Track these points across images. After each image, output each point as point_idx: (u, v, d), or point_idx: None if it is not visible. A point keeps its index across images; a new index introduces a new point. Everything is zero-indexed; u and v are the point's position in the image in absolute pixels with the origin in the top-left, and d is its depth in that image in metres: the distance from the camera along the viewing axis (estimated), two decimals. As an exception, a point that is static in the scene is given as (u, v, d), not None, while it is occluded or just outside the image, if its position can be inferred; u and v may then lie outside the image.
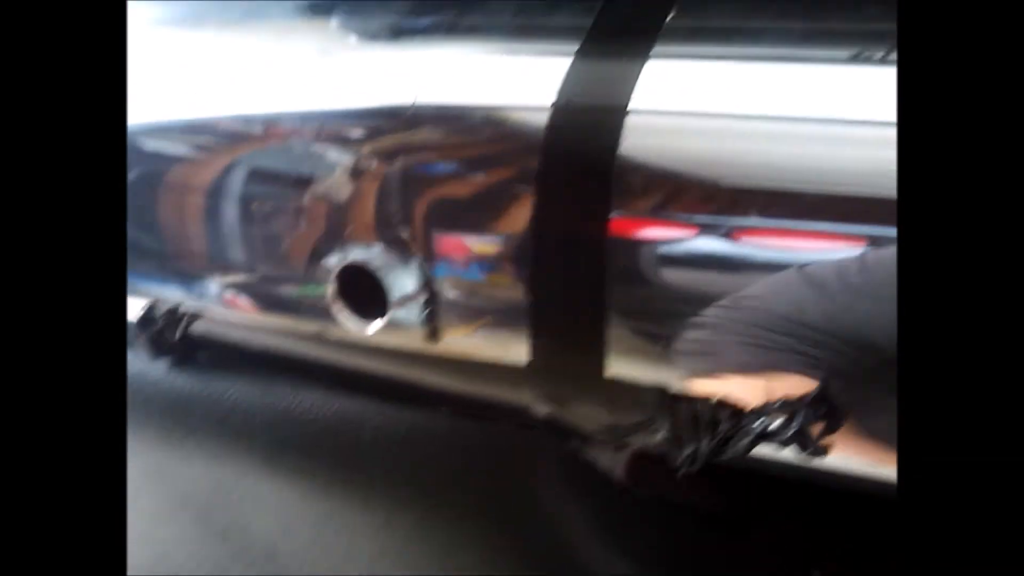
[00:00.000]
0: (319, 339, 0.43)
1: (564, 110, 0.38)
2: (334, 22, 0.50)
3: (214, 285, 0.48)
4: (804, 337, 0.34)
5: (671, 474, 0.38)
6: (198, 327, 0.48)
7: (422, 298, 0.40)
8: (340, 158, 0.43)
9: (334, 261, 0.42)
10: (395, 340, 0.41)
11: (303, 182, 0.44)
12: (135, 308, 0.50)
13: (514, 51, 0.42)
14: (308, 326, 0.44)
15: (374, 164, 0.42)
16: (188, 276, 0.50)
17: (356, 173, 0.42)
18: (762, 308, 0.35)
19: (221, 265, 0.48)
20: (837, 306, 0.33)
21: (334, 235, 0.42)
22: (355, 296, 0.42)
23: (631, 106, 0.36)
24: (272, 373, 0.46)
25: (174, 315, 0.48)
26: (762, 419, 0.36)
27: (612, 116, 0.36)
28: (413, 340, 0.41)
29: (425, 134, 0.42)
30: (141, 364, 0.49)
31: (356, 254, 0.41)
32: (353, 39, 0.48)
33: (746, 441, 0.36)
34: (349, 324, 0.42)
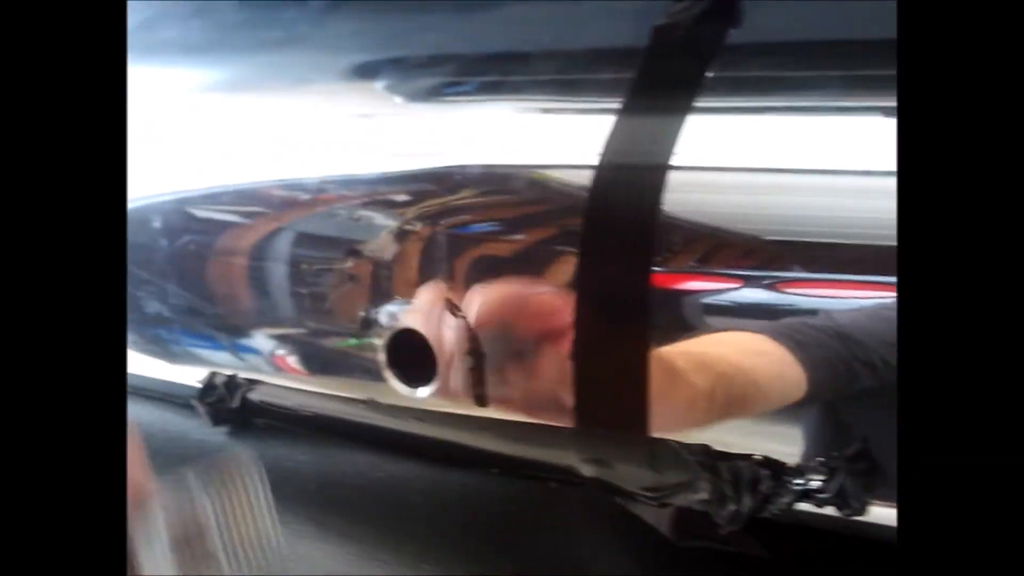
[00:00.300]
0: (370, 405, 0.45)
1: (607, 169, 0.39)
2: (380, 84, 0.52)
3: (264, 344, 0.50)
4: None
5: (716, 528, 0.38)
6: (255, 394, 0.50)
7: (470, 362, 0.41)
8: (385, 221, 0.45)
9: (384, 319, 0.43)
10: (444, 404, 0.42)
11: (349, 244, 0.46)
12: (193, 376, 0.52)
13: (557, 108, 0.44)
14: (360, 391, 0.45)
15: (418, 226, 0.44)
16: (238, 336, 0.52)
17: (401, 235, 0.44)
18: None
19: (269, 322, 0.50)
20: None
21: (379, 295, 0.44)
22: (405, 358, 0.43)
23: (673, 162, 0.38)
24: (325, 437, 0.47)
25: (232, 383, 0.50)
26: (803, 477, 0.36)
27: (654, 174, 0.38)
28: (461, 403, 0.42)
29: (468, 195, 0.43)
30: (203, 432, 0.51)
31: (405, 317, 0.43)
32: (398, 100, 0.51)
33: (787, 500, 0.36)
34: (400, 389, 0.43)
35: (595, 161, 0.39)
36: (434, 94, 0.50)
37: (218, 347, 0.55)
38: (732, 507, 0.37)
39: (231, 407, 0.50)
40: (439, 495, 0.44)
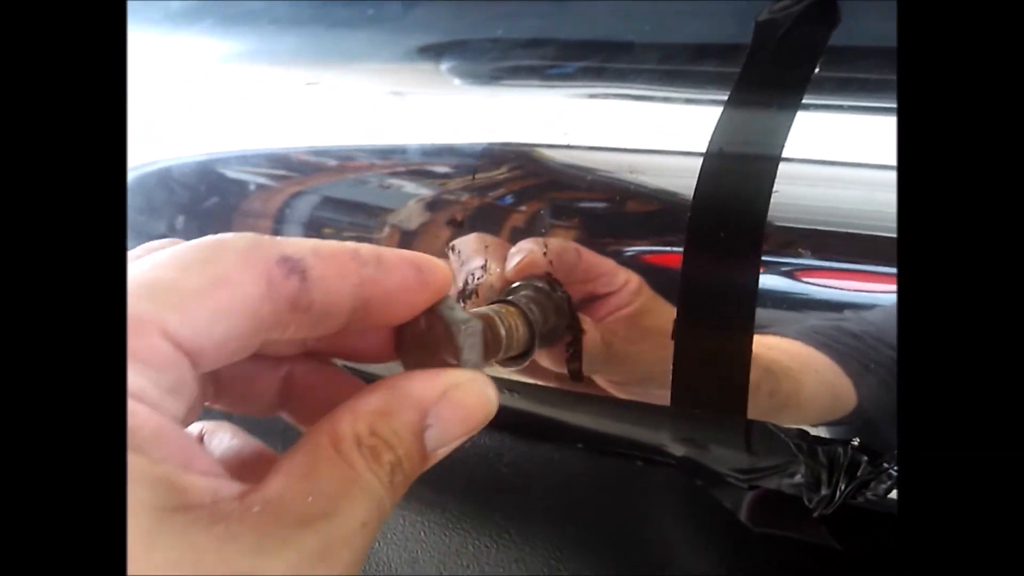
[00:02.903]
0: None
1: (716, 158, 0.40)
2: (443, 66, 0.53)
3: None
4: None
5: (797, 514, 0.39)
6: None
7: (567, 337, 0.42)
8: (416, 191, 0.46)
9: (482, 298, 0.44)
10: (537, 377, 0.43)
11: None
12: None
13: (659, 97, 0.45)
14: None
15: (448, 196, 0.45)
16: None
17: (430, 205, 0.46)
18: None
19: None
20: None
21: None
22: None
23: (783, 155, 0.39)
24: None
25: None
26: (903, 464, 0.37)
27: (764, 165, 0.39)
28: (556, 378, 0.43)
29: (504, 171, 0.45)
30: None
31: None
32: (456, 82, 0.52)
33: (885, 485, 0.37)
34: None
35: (703, 150, 0.40)
36: (496, 78, 0.50)
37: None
38: (826, 491, 0.38)
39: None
40: (525, 468, 0.45)
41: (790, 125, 0.40)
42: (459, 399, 0.29)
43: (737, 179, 0.40)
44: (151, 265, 0.26)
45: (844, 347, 0.38)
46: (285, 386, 0.33)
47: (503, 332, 0.36)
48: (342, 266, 0.28)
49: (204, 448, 0.26)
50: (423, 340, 0.31)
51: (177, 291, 0.25)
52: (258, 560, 0.23)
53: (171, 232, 0.57)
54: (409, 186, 0.50)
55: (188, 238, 0.28)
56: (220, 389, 0.32)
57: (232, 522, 0.23)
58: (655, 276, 0.41)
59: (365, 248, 0.29)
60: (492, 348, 0.35)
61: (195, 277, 0.25)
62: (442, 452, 0.29)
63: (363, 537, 0.25)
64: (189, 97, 0.62)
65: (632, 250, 0.42)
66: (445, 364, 0.30)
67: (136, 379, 0.24)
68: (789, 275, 0.39)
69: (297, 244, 0.27)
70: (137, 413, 0.23)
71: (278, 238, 0.27)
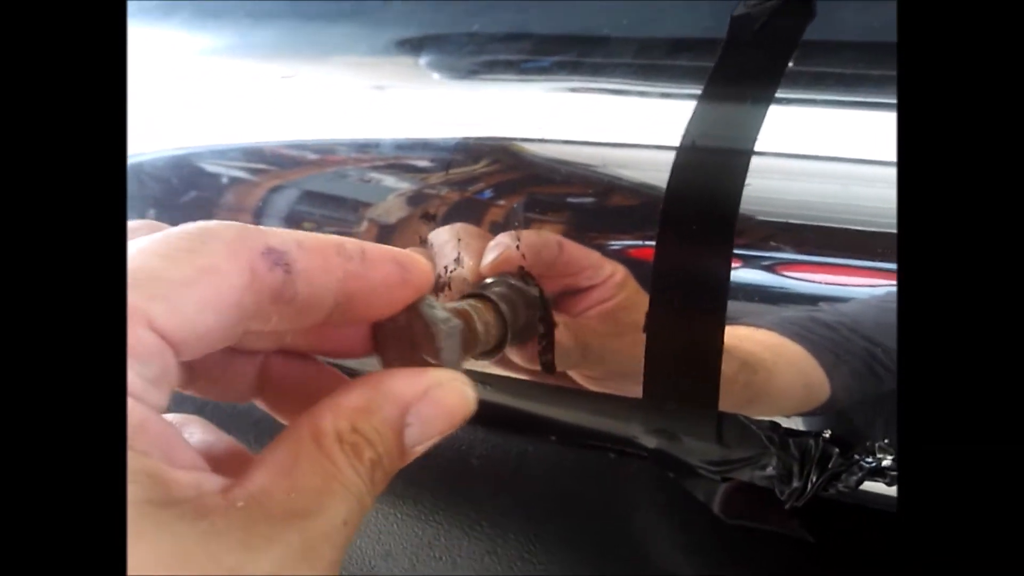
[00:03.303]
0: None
1: (689, 152, 0.40)
2: (422, 60, 0.53)
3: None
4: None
5: (770, 506, 0.39)
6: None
7: (540, 329, 0.42)
8: (396, 184, 0.46)
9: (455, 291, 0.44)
10: (509, 370, 0.43)
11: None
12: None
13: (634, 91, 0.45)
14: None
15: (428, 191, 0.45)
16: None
17: (410, 199, 0.45)
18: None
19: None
20: None
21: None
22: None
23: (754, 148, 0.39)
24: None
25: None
26: (873, 456, 0.37)
27: (736, 159, 0.39)
28: (528, 370, 0.42)
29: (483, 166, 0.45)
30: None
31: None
32: (436, 76, 0.52)
33: (856, 477, 0.37)
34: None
35: (677, 144, 0.41)
36: (473, 72, 0.51)
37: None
38: (797, 484, 0.38)
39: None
40: (497, 460, 0.45)
41: (763, 119, 0.40)
42: (440, 398, 0.29)
43: (709, 172, 0.40)
44: (137, 252, 0.25)
45: (818, 337, 0.39)
46: (261, 374, 0.33)
47: (480, 329, 0.36)
48: (326, 260, 0.28)
49: (186, 441, 0.26)
50: (402, 337, 0.31)
51: (163, 281, 0.25)
52: (244, 557, 0.23)
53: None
54: (386, 180, 0.50)
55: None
56: (194, 376, 0.31)
57: (217, 517, 0.23)
58: (631, 269, 0.41)
59: (350, 243, 0.29)
60: (469, 345, 0.35)
61: (181, 267, 0.25)
62: (420, 449, 0.29)
63: (344, 535, 0.25)
64: (163, 91, 0.61)
65: (607, 244, 0.42)
66: (424, 361, 0.30)
67: None
68: (763, 268, 0.39)
69: (282, 236, 0.27)
70: None
71: (263, 228, 0.27)
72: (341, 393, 0.28)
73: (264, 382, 0.33)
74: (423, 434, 0.28)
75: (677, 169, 0.40)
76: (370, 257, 0.29)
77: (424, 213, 0.46)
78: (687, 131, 0.41)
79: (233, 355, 0.32)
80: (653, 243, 0.40)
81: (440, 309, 0.31)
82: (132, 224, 0.31)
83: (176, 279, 0.25)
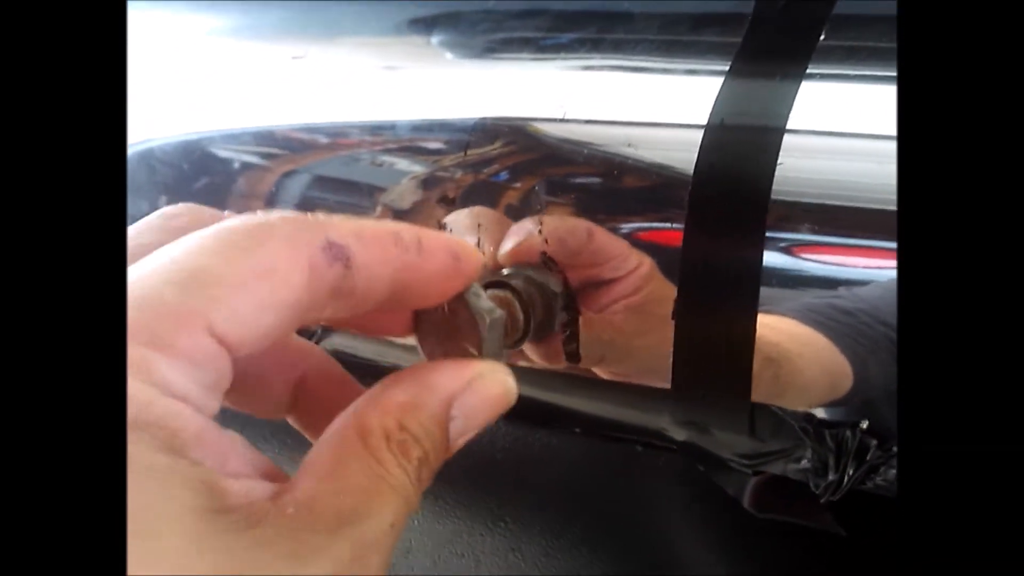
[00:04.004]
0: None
1: (717, 131, 0.39)
2: (433, 39, 0.51)
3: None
4: None
5: (803, 500, 0.38)
6: (328, 343, 0.49)
7: (564, 319, 0.40)
8: (409, 168, 0.45)
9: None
10: (533, 360, 0.42)
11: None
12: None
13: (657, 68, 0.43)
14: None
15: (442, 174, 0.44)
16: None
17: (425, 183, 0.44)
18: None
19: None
20: None
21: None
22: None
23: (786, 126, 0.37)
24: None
25: (304, 331, 0.49)
26: (914, 448, 0.36)
27: (768, 137, 0.37)
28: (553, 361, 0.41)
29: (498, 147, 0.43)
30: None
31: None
32: (448, 56, 0.50)
33: (895, 471, 0.36)
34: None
35: (703, 122, 0.39)
36: (489, 50, 0.49)
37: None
38: (833, 477, 0.37)
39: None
40: (521, 454, 0.43)
41: (795, 95, 0.38)
42: (483, 389, 0.28)
43: (740, 152, 0.38)
44: (190, 250, 0.25)
45: (839, 325, 0.37)
46: (295, 390, 0.32)
47: (520, 319, 0.36)
48: (385, 251, 0.27)
49: (239, 448, 0.25)
50: (444, 324, 0.30)
51: (222, 282, 0.24)
52: (294, 565, 0.23)
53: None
54: (401, 163, 0.48)
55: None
56: (234, 385, 0.31)
57: (268, 525, 0.23)
58: (654, 254, 0.40)
59: (407, 232, 0.28)
60: (508, 336, 0.35)
61: (240, 267, 0.24)
62: (462, 442, 0.28)
63: (392, 537, 0.25)
64: (171, 74, 0.60)
65: (630, 227, 0.41)
66: (465, 351, 0.30)
67: (180, 378, 0.23)
68: (787, 251, 0.37)
69: (341, 228, 0.26)
70: (181, 415, 0.23)
71: (322, 218, 0.26)
72: (385, 388, 0.27)
73: (298, 399, 0.32)
74: (467, 427, 0.28)
75: (705, 149, 0.38)
76: (426, 247, 0.28)
77: (442, 196, 0.44)
78: (715, 109, 0.39)
79: (270, 370, 0.32)
80: (677, 226, 0.39)
81: (485, 299, 0.30)
82: (172, 210, 0.30)
83: (234, 280, 0.24)
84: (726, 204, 0.38)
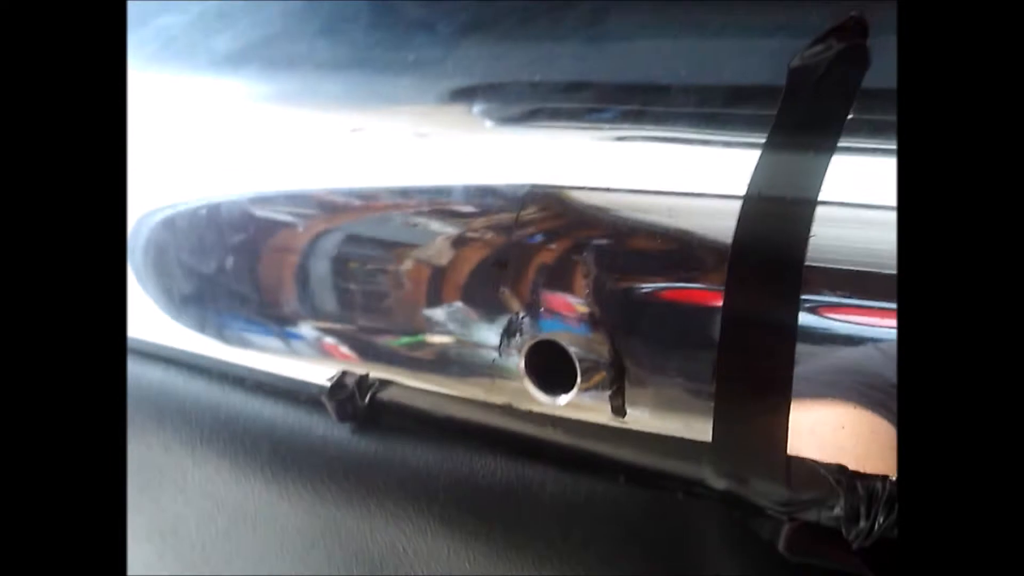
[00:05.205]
0: (505, 410, 0.47)
1: (755, 201, 0.42)
2: (475, 108, 0.55)
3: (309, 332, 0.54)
4: None
5: (835, 545, 0.40)
6: (385, 394, 0.52)
7: (611, 373, 0.43)
8: (442, 228, 0.48)
9: (526, 336, 0.46)
10: (581, 413, 0.44)
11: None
12: (322, 374, 0.54)
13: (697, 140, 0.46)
14: (497, 397, 0.47)
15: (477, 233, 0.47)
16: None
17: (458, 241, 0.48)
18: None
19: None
20: None
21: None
22: (542, 368, 0.46)
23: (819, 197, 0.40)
24: (454, 439, 0.49)
25: (363, 382, 0.52)
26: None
27: (801, 208, 0.40)
28: (599, 414, 0.44)
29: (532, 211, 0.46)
30: (327, 427, 0.53)
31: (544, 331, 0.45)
32: (488, 124, 0.53)
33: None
34: (539, 397, 0.45)
35: (741, 193, 0.42)
36: (524, 119, 0.52)
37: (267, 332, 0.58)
38: (864, 524, 0.39)
39: (359, 405, 0.52)
40: (567, 499, 0.46)
41: (826, 168, 0.41)
42: None
43: (776, 223, 0.41)
44: None
45: (881, 395, 0.40)
46: None
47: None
48: None
49: None
50: None
51: None
52: None
53: (220, 272, 0.58)
54: (448, 228, 0.51)
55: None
56: None
57: None
58: (697, 316, 0.42)
59: None
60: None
61: None
62: None
63: None
64: (231, 138, 0.63)
65: (669, 289, 0.44)
66: None
67: None
68: (816, 311, 0.40)
69: None
70: None
71: None
72: None
73: None
74: None
75: (744, 219, 0.41)
76: None
77: (496, 260, 0.47)
78: (752, 181, 0.42)
79: None
80: (716, 287, 0.42)
81: None
82: None
83: None
84: (763, 271, 0.41)
